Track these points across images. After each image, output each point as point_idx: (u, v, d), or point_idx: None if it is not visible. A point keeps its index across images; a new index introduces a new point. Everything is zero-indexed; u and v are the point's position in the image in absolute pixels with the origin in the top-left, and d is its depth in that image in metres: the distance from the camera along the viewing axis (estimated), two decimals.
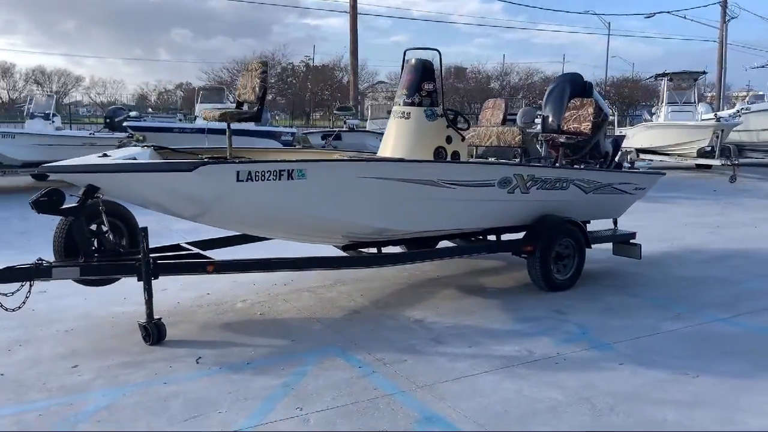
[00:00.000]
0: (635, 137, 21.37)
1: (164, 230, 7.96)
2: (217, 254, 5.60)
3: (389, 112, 6.89)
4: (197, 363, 4.39)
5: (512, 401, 3.86)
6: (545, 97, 7.76)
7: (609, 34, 46.65)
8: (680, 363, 4.48)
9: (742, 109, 21.20)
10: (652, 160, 21.68)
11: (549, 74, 54.65)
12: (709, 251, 8.37)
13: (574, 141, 6.77)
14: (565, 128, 7.05)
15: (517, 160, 7.31)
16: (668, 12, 36.61)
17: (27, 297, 4.57)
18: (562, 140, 6.75)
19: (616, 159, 7.81)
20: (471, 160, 6.03)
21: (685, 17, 48.19)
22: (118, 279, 5.24)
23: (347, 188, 5.10)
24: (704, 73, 21.25)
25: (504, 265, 7.24)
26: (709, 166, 19.41)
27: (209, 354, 4.54)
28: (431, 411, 3.72)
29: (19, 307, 4.56)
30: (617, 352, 4.68)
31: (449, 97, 48.63)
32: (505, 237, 6.58)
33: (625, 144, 22.19)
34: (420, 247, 6.42)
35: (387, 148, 6.14)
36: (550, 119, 7.55)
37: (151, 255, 4.85)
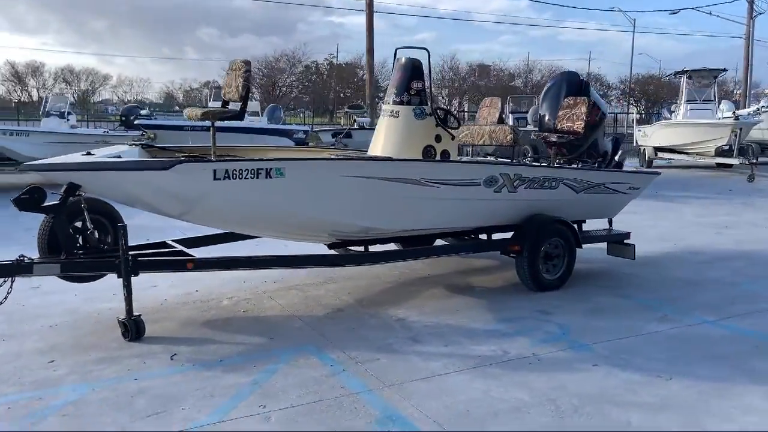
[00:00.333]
0: (653, 135, 21.09)
1: (168, 228, 8.04)
2: (213, 252, 5.67)
3: None
4: (171, 359, 4.44)
5: (477, 401, 3.85)
6: (542, 95, 7.71)
7: (634, 31, 45.88)
8: (657, 365, 4.43)
9: (762, 107, 20.76)
10: (671, 159, 21.39)
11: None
12: (711, 252, 8.24)
13: (565, 140, 6.71)
14: (559, 127, 6.99)
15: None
16: (693, 8, 35.71)
17: (9, 293, 4.66)
18: (553, 139, 6.69)
19: (616, 158, 7.72)
20: (456, 159, 5.98)
21: (710, 13, 47.20)
22: (102, 276, 5.31)
23: (327, 187, 5.12)
24: (724, 70, 20.83)
25: (497, 265, 7.20)
26: (729, 165, 19.08)
27: (185, 351, 4.60)
28: (394, 410, 3.73)
29: (1, 303, 4.65)
30: (594, 353, 4.63)
31: (470, 95, 48.59)
32: (497, 236, 6.54)
33: (642, 142, 22.03)
34: (415, 246, 6.43)
35: (377, 147, 6.14)
36: (546, 118, 7.50)
37: (132, 252, 4.93)
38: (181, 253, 5.35)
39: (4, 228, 8.90)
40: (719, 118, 19.96)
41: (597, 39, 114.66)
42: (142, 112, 16.95)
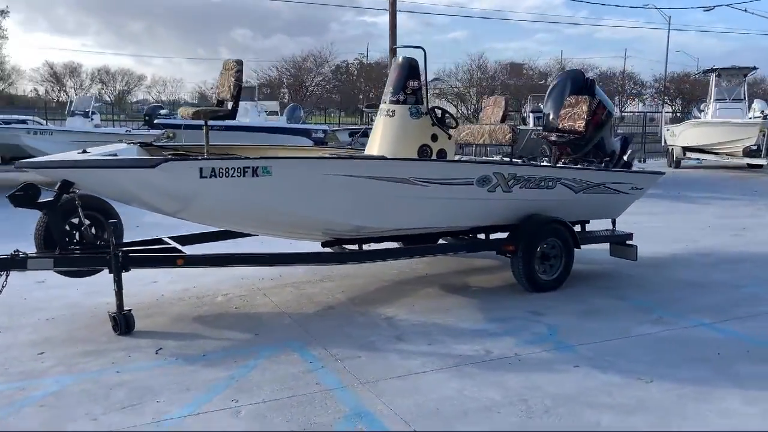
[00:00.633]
0: (682, 135, 20.70)
1: (182, 225, 8.16)
2: (211, 249, 5.75)
3: None
4: (156, 354, 4.53)
5: (449, 400, 3.85)
6: (547, 94, 7.64)
7: (669, 28, 45.07)
8: (640, 367, 4.37)
9: None
10: (701, 159, 21.00)
11: (604, 69, 53.37)
12: (721, 254, 8.07)
13: (566, 139, 6.64)
14: (561, 126, 6.93)
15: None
16: (728, 5, 34.89)
17: (3, 285, 4.80)
18: (553, 138, 6.63)
19: (625, 158, 7.61)
20: (449, 158, 5.97)
21: (745, 10, 46.14)
22: (99, 270, 5.43)
23: (315, 185, 5.16)
24: (755, 68, 20.34)
25: (498, 265, 7.16)
26: (759, 166, 18.64)
27: (171, 345, 4.68)
28: (363, 408, 3.75)
29: None
30: (577, 355, 4.59)
31: (500, 94, 48.09)
32: (495, 236, 6.51)
33: (671, 142, 21.62)
34: (418, 245, 6.44)
35: (373, 146, 6.16)
36: (551, 117, 7.44)
37: (124, 248, 5.04)
38: (173, 249, 5.44)
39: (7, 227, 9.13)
40: (750, 118, 19.52)
41: (634, 36, 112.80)
42: (162, 111, 17.25)
